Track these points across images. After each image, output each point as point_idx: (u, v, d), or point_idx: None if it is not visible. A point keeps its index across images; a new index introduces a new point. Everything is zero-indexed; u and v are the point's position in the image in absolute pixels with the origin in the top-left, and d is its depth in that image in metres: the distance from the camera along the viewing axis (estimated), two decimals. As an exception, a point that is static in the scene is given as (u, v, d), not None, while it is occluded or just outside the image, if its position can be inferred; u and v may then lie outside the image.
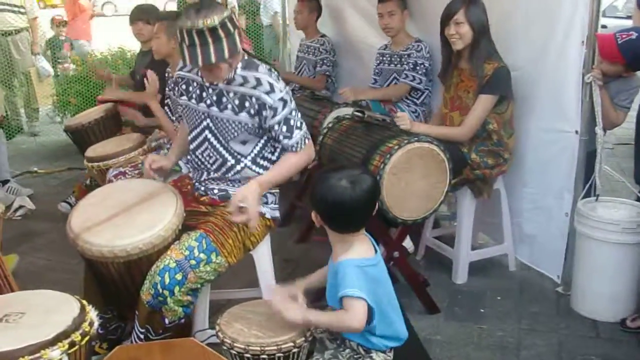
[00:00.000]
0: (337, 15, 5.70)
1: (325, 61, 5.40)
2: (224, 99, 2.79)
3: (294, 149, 2.80)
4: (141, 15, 4.75)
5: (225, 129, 2.81)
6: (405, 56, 4.45)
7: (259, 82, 2.74)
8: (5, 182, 5.43)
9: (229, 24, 2.58)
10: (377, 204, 2.27)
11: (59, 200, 5.03)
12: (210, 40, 2.55)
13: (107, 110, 4.93)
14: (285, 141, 2.78)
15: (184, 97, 2.94)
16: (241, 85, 2.76)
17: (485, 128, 3.52)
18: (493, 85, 3.45)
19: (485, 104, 3.47)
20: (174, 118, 3.91)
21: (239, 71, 2.77)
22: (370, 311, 2.16)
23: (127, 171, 3.69)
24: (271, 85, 2.73)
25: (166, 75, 4.21)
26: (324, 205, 2.22)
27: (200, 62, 2.58)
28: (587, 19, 3.23)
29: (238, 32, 2.65)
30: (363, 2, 5.20)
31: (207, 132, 2.87)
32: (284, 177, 2.85)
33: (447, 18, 3.53)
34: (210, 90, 2.83)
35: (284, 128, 2.76)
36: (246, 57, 2.83)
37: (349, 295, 2.13)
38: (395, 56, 4.55)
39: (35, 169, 6.38)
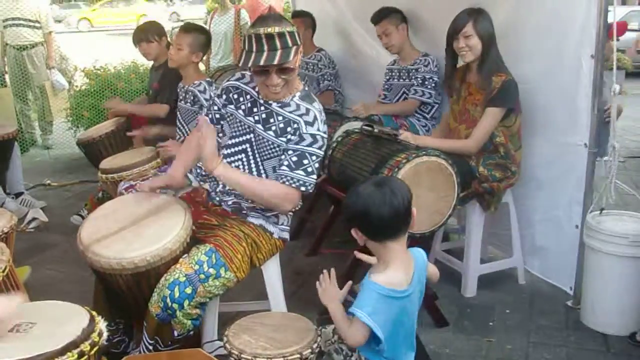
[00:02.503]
0: (345, 31, 5.75)
1: (326, 76, 5.45)
2: (272, 120, 2.84)
3: (285, 179, 2.74)
4: (141, 36, 4.81)
5: (264, 148, 2.85)
6: (413, 71, 4.48)
7: (307, 112, 2.80)
8: (19, 194, 5.49)
9: (287, 37, 2.64)
10: (413, 210, 2.24)
11: (72, 213, 5.09)
12: (266, 46, 2.62)
13: (118, 123, 4.99)
14: (285, 169, 2.74)
15: (232, 106, 2.96)
16: (292, 111, 2.81)
17: (492, 141, 3.53)
18: (501, 98, 3.46)
19: (493, 117, 3.48)
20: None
21: (296, 99, 2.83)
22: (375, 335, 2.17)
23: (137, 184, 3.72)
24: (315, 119, 2.78)
25: (178, 88, 4.27)
26: (358, 213, 2.20)
27: (250, 64, 2.64)
28: (595, 32, 3.25)
29: (296, 50, 2.70)
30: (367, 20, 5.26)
31: (247, 145, 2.91)
32: (250, 190, 2.80)
33: (455, 31, 3.55)
34: (262, 108, 2.87)
35: (294, 158, 2.74)
36: (306, 89, 2.91)
37: (356, 315, 2.15)
38: (404, 71, 4.58)
39: (49, 181, 6.42)
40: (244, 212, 2.92)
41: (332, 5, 5.86)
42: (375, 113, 4.38)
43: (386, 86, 4.77)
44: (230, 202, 2.95)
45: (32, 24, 7.37)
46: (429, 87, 4.38)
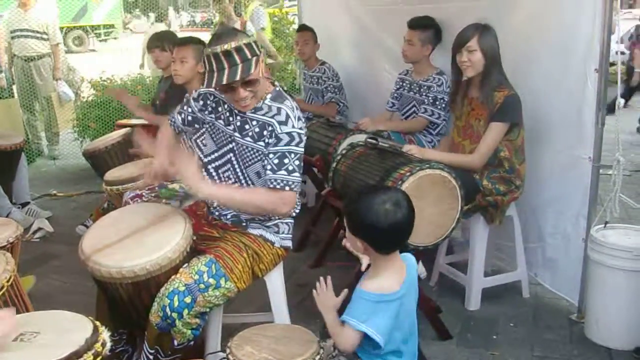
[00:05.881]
0: (354, 42, 5.78)
1: (329, 88, 5.47)
2: (247, 126, 2.84)
3: (270, 183, 2.72)
4: (156, 43, 4.81)
5: (245, 155, 2.85)
6: (425, 87, 4.47)
7: (278, 111, 2.78)
8: (25, 204, 5.52)
9: (245, 50, 2.64)
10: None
11: (77, 223, 5.10)
12: (225, 63, 2.61)
13: (124, 135, 5.02)
14: (269, 173, 2.73)
15: (212, 116, 2.97)
16: (264, 114, 2.80)
17: (496, 155, 3.54)
18: (504, 112, 3.47)
19: (497, 132, 3.49)
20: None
21: (267, 101, 2.82)
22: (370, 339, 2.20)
23: (143, 193, 3.73)
24: (287, 117, 2.76)
25: (185, 99, 4.27)
26: (369, 228, 2.21)
27: (213, 84, 2.65)
28: (599, 46, 3.27)
29: (257, 60, 2.69)
30: (377, 31, 5.28)
31: (231, 154, 2.92)
32: (239, 203, 2.81)
33: (459, 45, 3.56)
34: (238, 117, 2.87)
35: (275, 161, 2.73)
36: (277, 89, 2.89)
37: (348, 323, 2.20)
38: (415, 85, 4.57)
39: (55, 191, 6.45)
40: (244, 224, 2.93)
41: (343, 18, 5.87)
42: (382, 129, 4.38)
43: (396, 95, 4.79)
44: (229, 216, 2.97)
45: (39, 35, 7.43)
46: (439, 107, 4.38)
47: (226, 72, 2.61)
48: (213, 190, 2.79)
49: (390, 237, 2.24)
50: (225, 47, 2.61)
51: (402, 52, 4.53)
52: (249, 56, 2.65)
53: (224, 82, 2.62)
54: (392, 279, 2.26)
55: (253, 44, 2.69)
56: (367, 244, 2.25)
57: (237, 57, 2.62)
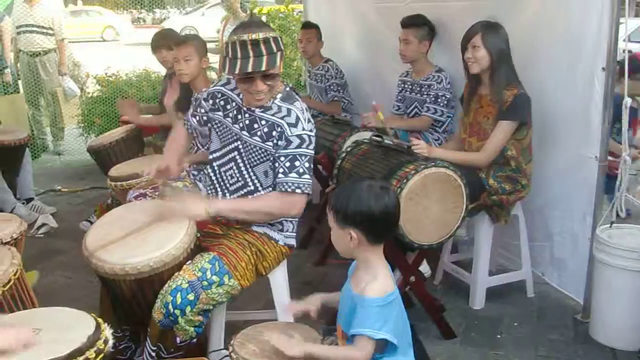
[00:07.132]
0: (360, 39, 5.77)
1: (332, 86, 5.44)
2: (256, 125, 2.82)
3: (281, 187, 2.74)
4: (163, 42, 4.80)
5: (252, 154, 2.84)
6: (426, 86, 4.45)
7: (288, 112, 2.78)
8: (29, 200, 5.52)
9: (272, 42, 2.63)
10: None
11: (82, 219, 5.11)
12: (251, 52, 2.60)
13: (129, 131, 5.01)
14: (280, 176, 2.74)
15: (220, 113, 2.96)
16: (274, 114, 2.79)
17: (503, 154, 3.52)
18: (513, 111, 3.45)
19: (505, 130, 3.47)
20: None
21: (277, 101, 2.81)
22: (387, 345, 2.17)
23: (147, 192, 3.72)
24: (297, 119, 2.76)
25: (195, 101, 4.26)
26: (372, 217, 2.18)
27: (237, 71, 2.63)
28: (606, 45, 3.25)
29: (281, 55, 2.69)
30: (383, 29, 5.26)
31: (235, 153, 2.91)
32: (248, 214, 2.81)
33: (465, 41, 3.57)
34: (247, 115, 2.86)
35: (287, 164, 2.73)
36: (287, 89, 2.88)
37: (366, 335, 2.13)
38: (416, 85, 4.55)
39: (59, 187, 6.46)
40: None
41: (349, 15, 5.87)
42: (387, 126, 4.36)
43: (399, 97, 4.77)
44: None
45: (45, 30, 7.43)
46: (441, 104, 4.36)
47: (251, 60, 2.60)
48: (220, 209, 2.79)
49: (385, 221, 2.21)
50: (254, 36, 2.60)
51: (400, 53, 4.52)
52: (275, 49, 2.65)
53: (249, 70, 2.61)
54: (387, 277, 2.23)
55: (279, 39, 2.69)
56: (362, 235, 2.19)
57: (263, 48, 2.61)
